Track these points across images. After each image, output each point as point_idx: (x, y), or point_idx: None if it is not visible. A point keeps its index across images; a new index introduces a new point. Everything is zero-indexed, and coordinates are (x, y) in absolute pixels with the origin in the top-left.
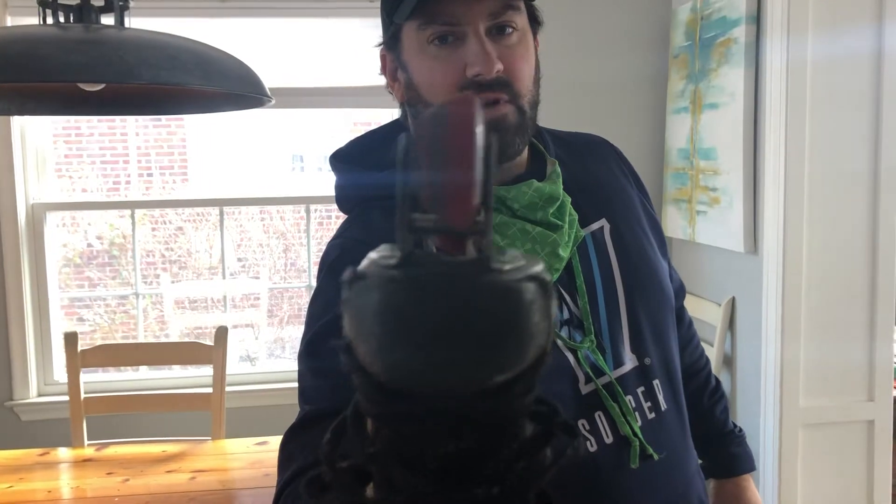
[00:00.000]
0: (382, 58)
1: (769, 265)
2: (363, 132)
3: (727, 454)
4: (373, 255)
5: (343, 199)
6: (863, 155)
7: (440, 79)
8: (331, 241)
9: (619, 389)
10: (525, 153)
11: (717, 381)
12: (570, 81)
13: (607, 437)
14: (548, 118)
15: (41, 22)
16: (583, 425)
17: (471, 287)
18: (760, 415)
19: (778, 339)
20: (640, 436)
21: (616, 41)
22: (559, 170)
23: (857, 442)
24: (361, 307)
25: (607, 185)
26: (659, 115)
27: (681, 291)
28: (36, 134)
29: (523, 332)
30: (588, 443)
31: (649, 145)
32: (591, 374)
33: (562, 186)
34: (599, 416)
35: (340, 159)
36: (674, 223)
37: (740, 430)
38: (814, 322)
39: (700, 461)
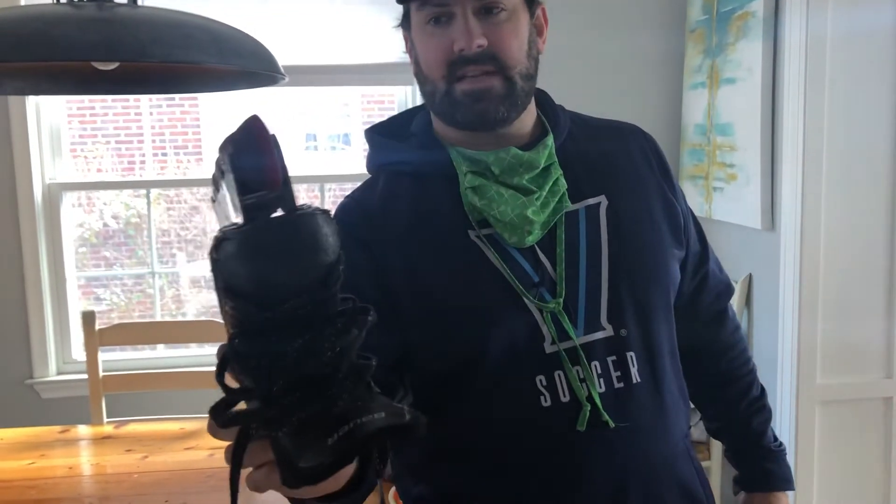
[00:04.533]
0: (404, 38)
1: (787, 242)
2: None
3: (759, 468)
4: (222, 231)
5: (368, 165)
6: (883, 131)
7: (433, 55)
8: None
9: (582, 354)
10: (528, 126)
11: (762, 391)
12: (585, 57)
13: (563, 395)
14: (562, 95)
15: (55, 1)
16: (540, 381)
17: (289, 220)
18: (777, 392)
19: (795, 315)
20: (598, 401)
21: (631, 16)
22: (549, 142)
23: (874, 419)
24: (230, 255)
25: (619, 166)
26: (675, 91)
27: (726, 292)
28: (51, 114)
29: (323, 241)
30: (542, 398)
31: (665, 121)
32: (555, 336)
33: (550, 158)
34: (559, 375)
35: (372, 131)
36: (690, 200)
37: (780, 445)
38: (831, 299)
39: (735, 473)
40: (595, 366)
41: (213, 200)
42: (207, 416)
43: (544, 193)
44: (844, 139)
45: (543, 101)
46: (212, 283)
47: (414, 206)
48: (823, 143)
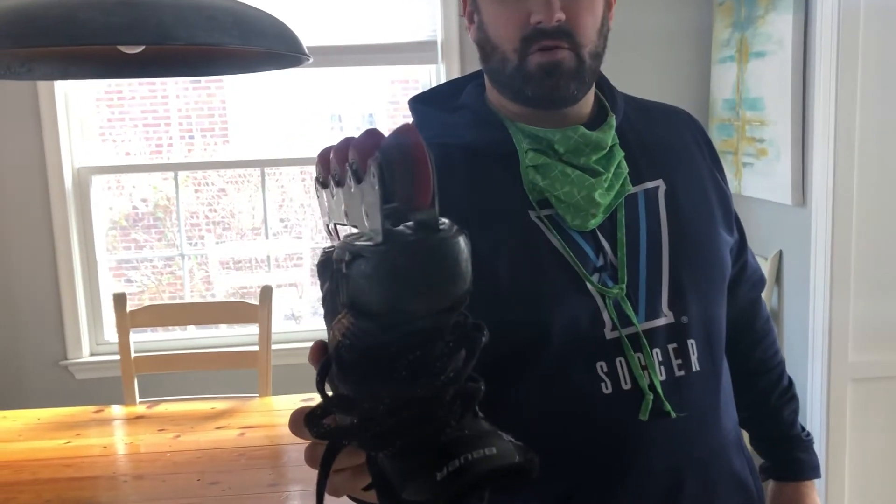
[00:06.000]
0: (463, 1)
1: (818, 218)
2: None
3: (790, 458)
4: (352, 239)
5: None
6: None
7: (505, 25)
8: None
9: (645, 341)
10: (589, 105)
11: (790, 382)
12: (612, 31)
13: (625, 382)
14: None
15: None
16: (601, 367)
17: (432, 246)
18: (808, 369)
19: (826, 292)
20: (660, 390)
21: None
22: (613, 122)
23: None
24: (363, 274)
25: (674, 150)
26: (703, 65)
27: (760, 282)
28: (79, 98)
29: (463, 267)
30: (603, 385)
31: (694, 96)
32: (617, 322)
33: (614, 139)
34: (620, 361)
35: (417, 100)
36: None
37: (808, 434)
38: (863, 275)
39: (763, 462)
40: (656, 353)
41: (323, 185)
42: (295, 417)
43: (610, 175)
44: (877, 113)
45: (600, 79)
46: (317, 284)
47: (470, 182)
48: (856, 117)
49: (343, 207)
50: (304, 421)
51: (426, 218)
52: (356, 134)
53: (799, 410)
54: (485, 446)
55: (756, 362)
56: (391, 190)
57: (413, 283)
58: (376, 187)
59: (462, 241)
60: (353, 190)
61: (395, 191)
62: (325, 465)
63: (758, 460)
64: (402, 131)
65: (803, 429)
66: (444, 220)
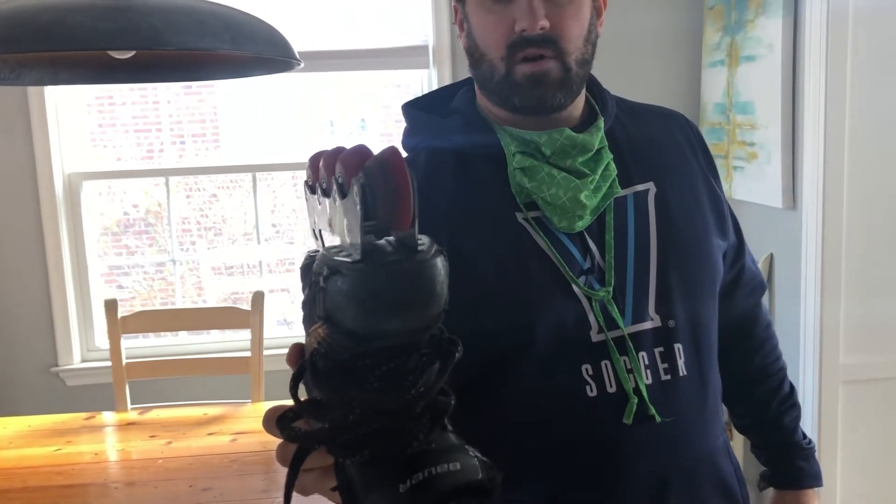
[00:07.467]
0: (454, 9)
1: (808, 221)
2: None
3: (791, 466)
4: (332, 253)
5: (405, 142)
6: None
7: (492, 33)
8: None
9: (631, 344)
10: (579, 108)
11: (792, 388)
12: (603, 36)
13: (610, 386)
14: None
15: None
16: (585, 370)
17: (409, 268)
18: (799, 372)
19: (817, 295)
20: (645, 394)
21: None
22: (601, 125)
23: None
24: (340, 290)
25: (666, 152)
26: (694, 69)
27: (760, 287)
28: (70, 104)
29: (439, 289)
30: (588, 388)
31: (684, 100)
32: (602, 324)
33: (602, 142)
34: (606, 364)
35: (410, 105)
36: None
37: (810, 442)
38: (854, 278)
39: (763, 469)
40: (642, 356)
41: (312, 189)
42: (269, 415)
43: (597, 177)
44: (867, 116)
45: (591, 82)
46: (300, 290)
47: (459, 185)
48: (845, 121)
49: (328, 217)
50: (276, 422)
51: (405, 238)
52: (350, 141)
53: (800, 417)
54: (449, 461)
55: (756, 369)
56: (372, 211)
57: (388, 304)
58: (358, 207)
59: (439, 263)
60: (337, 203)
61: (377, 212)
62: (294, 466)
63: (758, 467)
64: (385, 154)
65: (805, 436)
66: (424, 238)
